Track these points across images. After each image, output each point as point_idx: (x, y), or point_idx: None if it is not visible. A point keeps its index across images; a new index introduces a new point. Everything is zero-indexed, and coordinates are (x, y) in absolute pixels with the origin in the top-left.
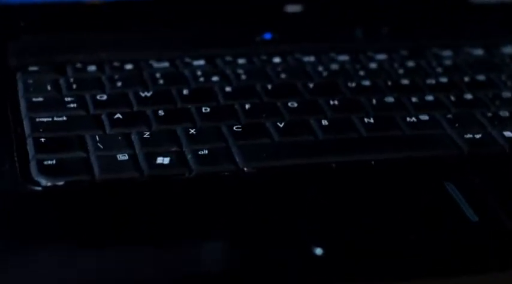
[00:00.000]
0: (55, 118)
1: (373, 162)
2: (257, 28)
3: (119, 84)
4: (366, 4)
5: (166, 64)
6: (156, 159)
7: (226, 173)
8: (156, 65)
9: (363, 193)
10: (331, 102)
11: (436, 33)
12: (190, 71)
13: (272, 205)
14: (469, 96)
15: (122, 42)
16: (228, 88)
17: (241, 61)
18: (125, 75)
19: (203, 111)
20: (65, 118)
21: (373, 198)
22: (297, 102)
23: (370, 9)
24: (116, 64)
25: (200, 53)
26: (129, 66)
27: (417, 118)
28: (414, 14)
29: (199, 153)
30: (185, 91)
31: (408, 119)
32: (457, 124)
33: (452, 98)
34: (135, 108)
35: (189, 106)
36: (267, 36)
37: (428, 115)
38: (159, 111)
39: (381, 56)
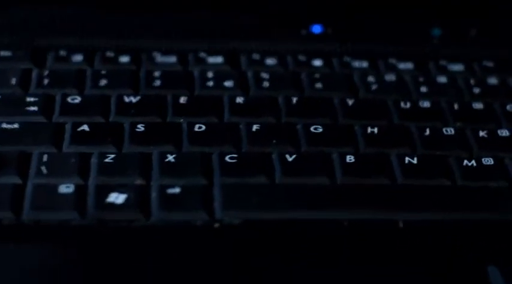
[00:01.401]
0: (2, 126)
1: (401, 224)
2: (306, 17)
3: (103, 82)
4: None
5: (173, 59)
6: (107, 196)
7: (197, 224)
8: (160, 58)
9: (380, 268)
10: (369, 130)
11: None
12: (202, 70)
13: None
14: None
15: (124, 24)
16: (239, 100)
17: (270, 61)
18: (116, 70)
19: (195, 129)
20: (15, 126)
21: (393, 275)
22: (323, 126)
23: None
24: (109, 54)
25: (221, 46)
26: (125, 59)
27: (478, 161)
28: None
29: (168, 191)
30: (182, 100)
31: (466, 163)
32: None
33: None
34: (111, 118)
35: (181, 120)
36: (316, 29)
37: (495, 158)
38: (139, 125)
39: (457, 67)
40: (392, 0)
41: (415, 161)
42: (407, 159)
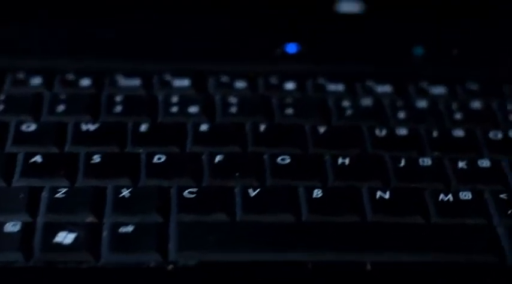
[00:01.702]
0: None
1: (369, 266)
2: (281, 36)
3: (61, 108)
4: (432, 10)
5: (137, 82)
6: (55, 235)
7: (150, 266)
8: (123, 81)
9: None
10: (339, 161)
11: None
12: (166, 95)
13: None
14: None
15: (88, 44)
16: (203, 127)
17: (239, 84)
18: (76, 94)
19: (154, 160)
20: None
21: None
22: (291, 157)
23: (438, 19)
24: (69, 77)
25: (189, 68)
26: (86, 82)
27: (456, 196)
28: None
29: (120, 230)
30: (144, 127)
31: (442, 197)
32: None
33: None
34: (66, 148)
35: (140, 150)
36: (291, 48)
37: (474, 192)
38: (95, 156)
39: (438, 90)
40: (372, 18)
41: (387, 196)
42: (379, 193)
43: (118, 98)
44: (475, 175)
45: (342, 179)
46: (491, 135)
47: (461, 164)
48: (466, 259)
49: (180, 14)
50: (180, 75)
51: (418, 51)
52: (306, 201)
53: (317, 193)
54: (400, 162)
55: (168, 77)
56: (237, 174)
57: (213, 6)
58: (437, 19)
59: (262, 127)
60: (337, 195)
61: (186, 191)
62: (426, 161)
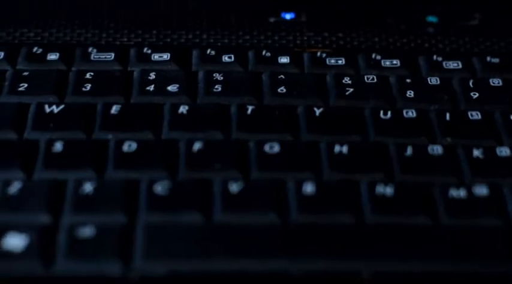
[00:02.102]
0: None
1: (366, 275)
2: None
3: (23, 86)
4: None
5: (111, 56)
6: (2, 239)
7: (112, 275)
8: (95, 55)
9: None
10: (336, 149)
11: None
12: (143, 71)
13: None
14: None
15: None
16: (182, 109)
17: (227, 58)
18: (42, 71)
19: (124, 149)
20: None
21: None
22: (280, 145)
23: None
24: (36, 50)
25: (171, 39)
26: (53, 56)
27: (469, 191)
28: None
29: (79, 233)
30: (115, 109)
31: (453, 193)
32: None
33: None
34: (25, 134)
35: (109, 137)
36: (287, 15)
37: (491, 186)
38: (57, 144)
39: (453, 64)
40: None
41: (389, 192)
42: (380, 188)
43: (88, 75)
44: (492, 166)
45: (339, 171)
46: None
47: (476, 153)
48: (482, 267)
49: None
50: (161, 48)
51: (431, 19)
52: (295, 198)
53: (308, 188)
54: (406, 151)
55: (146, 50)
56: (217, 166)
57: None
58: None
59: (249, 110)
60: (331, 191)
61: (158, 186)
62: (436, 149)
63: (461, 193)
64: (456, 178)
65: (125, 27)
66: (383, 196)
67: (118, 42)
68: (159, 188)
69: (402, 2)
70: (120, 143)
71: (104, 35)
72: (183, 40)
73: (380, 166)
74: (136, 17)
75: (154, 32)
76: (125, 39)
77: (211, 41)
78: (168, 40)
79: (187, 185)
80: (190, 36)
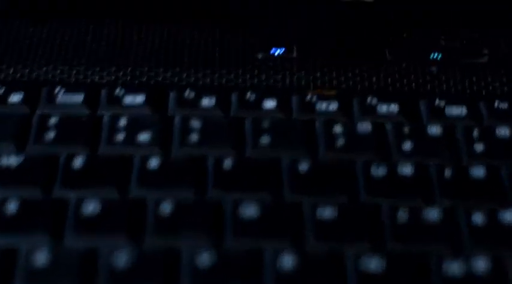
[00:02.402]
0: None
1: None
2: (269, 36)
3: None
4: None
5: (79, 97)
6: None
7: None
8: (62, 97)
9: None
10: (320, 214)
11: None
12: (114, 116)
13: None
14: None
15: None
16: (153, 163)
17: (207, 102)
18: (2, 114)
19: (84, 211)
20: None
21: None
22: (259, 206)
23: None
24: None
25: (147, 79)
26: (16, 97)
27: (468, 266)
28: None
29: None
30: (79, 163)
31: (448, 267)
32: None
33: None
34: None
35: (70, 195)
36: (277, 50)
37: (493, 260)
38: (9, 205)
39: (457, 110)
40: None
41: (378, 265)
42: (368, 261)
43: (53, 120)
44: (495, 234)
45: (323, 240)
46: None
47: (477, 219)
48: None
49: (137, 14)
50: (135, 89)
51: (435, 56)
52: (272, 275)
53: (288, 261)
54: (399, 215)
55: (118, 91)
56: (187, 233)
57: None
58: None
59: (228, 164)
60: (315, 265)
61: (118, 257)
62: (433, 214)
63: (458, 267)
64: (453, 249)
65: (97, 63)
66: (372, 270)
67: (89, 80)
68: (120, 260)
69: (404, 36)
70: (79, 203)
71: (74, 72)
72: (160, 78)
73: (370, 234)
74: (111, 52)
75: (129, 69)
76: (97, 77)
77: (192, 80)
78: (145, 79)
79: (153, 255)
80: (168, 74)
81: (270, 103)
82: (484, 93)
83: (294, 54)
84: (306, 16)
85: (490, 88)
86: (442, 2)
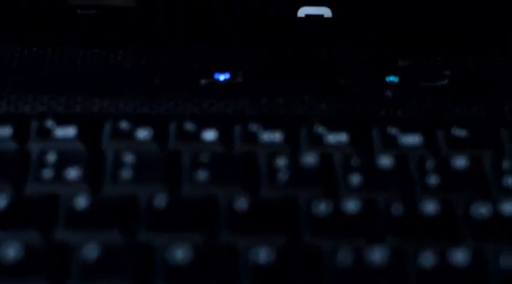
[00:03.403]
0: None
1: None
2: (212, 60)
3: None
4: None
5: (8, 130)
6: None
7: None
8: None
9: None
10: (258, 256)
11: None
12: (42, 150)
13: None
14: None
15: None
16: (80, 203)
17: (143, 134)
18: None
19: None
20: None
21: None
22: (193, 250)
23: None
24: None
25: (80, 109)
26: None
27: None
28: None
29: None
30: (2, 204)
31: None
32: None
33: None
34: None
35: None
36: (221, 76)
37: None
38: None
39: (411, 138)
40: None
41: None
42: None
43: None
44: (444, 276)
45: None
46: (472, 210)
47: (426, 259)
48: None
49: (73, 40)
50: (67, 120)
51: (392, 79)
52: None
53: None
54: (340, 257)
55: (50, 123)
56: (112, 279)
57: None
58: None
59: (160, 202)
60: None
61: None
62: (376, 255)
63: None
64: None
65: (29, 92)
66: None
67: (20, 111)
68: None
69: (358, 57)
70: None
71: (4, 102)
72: (96, 109)
73: (308, 279)
74: (44, 80)
75: (63, 98)
76: (28, 108)
77: (130, 109)
78: (79, 109)
79: None
80: (105, 104)
81: (209, 135)
82: (442, 120)
83: (240, 80)
84: (253, 38)
85: (450, 114)
86: (401, 22)
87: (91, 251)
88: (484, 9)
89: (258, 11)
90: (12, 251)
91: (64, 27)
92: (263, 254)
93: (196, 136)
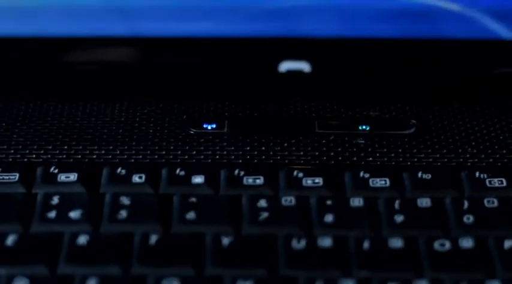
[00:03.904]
0: None
1: None
2: (201, 112)
3: None
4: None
5: (14, 176)
6: None
7: None
8: None
9: None
10: None
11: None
12: (47, 194)
13: None
14: None
15: None
16: (82, 240)
17: (137, 178)
18: None
19: None
20: None
21: None
22: (182, 281)
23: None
24: None
25: (81, 156)
26: None
27: None
28: None
29: None
30: (10, 241)
31: None
32: None
33: None
34: None
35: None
36: (210, 126)
37: None
38: None
39: (381, 181)
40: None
41: None
42: None
43: None
44: None
45: None
46: (436, 245)
47: None
48: None
49: (72, 94)
50: (69, 167)
51: (363, 127)
52: None
53: None
54: None
55: (53, 169)
56: None
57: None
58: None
59: (153, 240)
60: None
61: None
62: None
63: None
64: None
65: (34, 142)
66: None
67: (26, 159)
68: None
69: (334, 108)
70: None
71: (12, 151)
72: (94, 156)
73: None
74: (47, 131)
75: (65, 147)
76: (33, 156)
77: (125, 156)
78: (79, 156)
79: None
80: (102, 152)
81: (198, 179)
82: (408, 164)
83: (225, 130)
84: (237, 93)
85: (415, 159)
86: (373, 77)
87: None
88: (447, 68)
89: (241, 69)
90: None
91: (65, 83)
92: None
93: (186, 180)
